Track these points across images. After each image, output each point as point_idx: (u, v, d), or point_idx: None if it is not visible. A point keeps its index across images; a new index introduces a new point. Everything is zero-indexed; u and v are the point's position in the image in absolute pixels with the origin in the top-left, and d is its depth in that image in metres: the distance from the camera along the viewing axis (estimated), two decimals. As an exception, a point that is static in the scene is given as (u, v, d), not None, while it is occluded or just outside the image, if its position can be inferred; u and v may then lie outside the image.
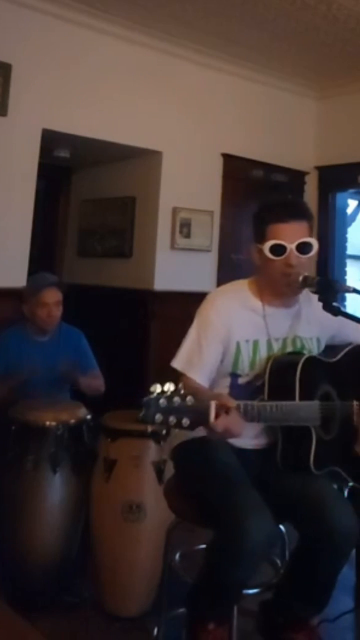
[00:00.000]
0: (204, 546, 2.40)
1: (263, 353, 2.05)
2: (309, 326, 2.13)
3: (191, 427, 1.61)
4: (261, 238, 2.01)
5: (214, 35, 4.22)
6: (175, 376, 2.06)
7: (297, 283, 1.98)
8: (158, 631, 2.29)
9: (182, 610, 2.09)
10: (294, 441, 1.95)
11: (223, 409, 1.68)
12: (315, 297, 2.01)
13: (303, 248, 1.98)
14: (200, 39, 4.28)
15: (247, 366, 2.04)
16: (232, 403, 1.72)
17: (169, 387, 1.60)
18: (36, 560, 2.63)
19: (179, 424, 1.58)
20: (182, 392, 1.60)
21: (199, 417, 1.63)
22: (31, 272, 3.65)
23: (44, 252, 4.81)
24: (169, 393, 1.59)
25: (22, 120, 3.69)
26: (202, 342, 2.03)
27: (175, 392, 1.60)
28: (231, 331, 2.03)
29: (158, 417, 1.56)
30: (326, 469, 1.95)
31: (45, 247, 4.91)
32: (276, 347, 2.07)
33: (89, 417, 2.79)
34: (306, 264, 2.01)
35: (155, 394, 1.57)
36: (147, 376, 4.16)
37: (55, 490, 2.64)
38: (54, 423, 2.66)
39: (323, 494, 1.90)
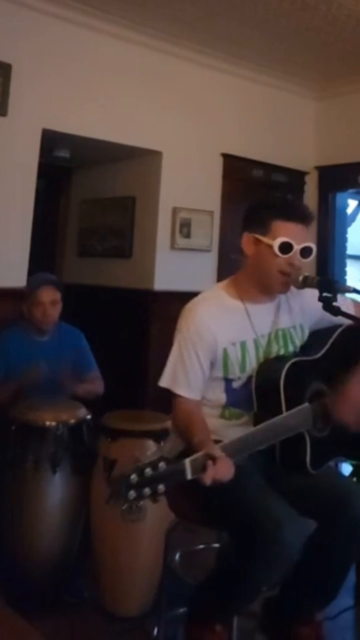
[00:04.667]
0: (203, 546, 2.41)
1: (252, 353, 2.03)
2: (290, 315, 2.12)
3: (168, 490, 1.61)
4: (263, 230, 1.99)
5: (214, 36, 4.22)
6: (168, 394, 2.05)
7: (296, 283, 1.98)
8: (158, 631, 2.29)
9: (182, 610, 2.09)
10: (289, 446, 1.93)
11: (208, 459, 1.67)
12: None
13: (305, 252, 1.99)
14: (200, 39, 4.28)
15: (237, 369, 2.02)
16: (218, 453, 1.69)
17: (145, 460, 1.60)
18: (36, 560, 2.63)
19: (154, 493, 1.57)
20: (153, 459, 1.59)
21: (175, 478, 1.63)
22: (31, 272, 3.65)
23: (44, 252, 4.80)
24: (140, 466, 1.57)
25: (22, 120, 3.69)
26: (184, 357, 2.01)
27: (148, 463, 1.58)
28: (214, 339, 2.00)
29: (131, 494, 1.55)
30: (324, 464, 1.97)
31: (45, 247, 4.91)
32: (263, 343, 2.05)
33: (89, 417, 2.79)
34: (303, 268, 2.01)
35: (127, 473, 1.56)
36: (147, 376, 4.16)
37: (55, 490, 2.64)
38: (54, 423, 2.66)
39: (338, 483, 1.94)
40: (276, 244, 1.95)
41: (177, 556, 2.41)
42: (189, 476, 1.64)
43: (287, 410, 1.90)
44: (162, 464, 1.59)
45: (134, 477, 1.55)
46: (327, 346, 2.11)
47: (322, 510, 1.89)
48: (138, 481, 1.55)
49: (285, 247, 1.96)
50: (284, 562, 1.80)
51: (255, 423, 1.95)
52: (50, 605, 2.53)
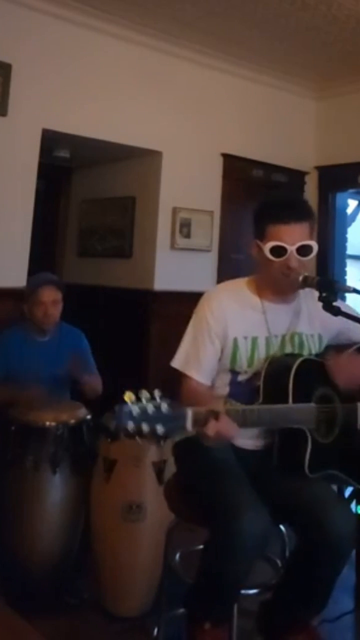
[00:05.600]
0: (203, 546, 2.40)
1: (262, 350, 2.04)
2: (310, 323, 2.11)
3: (166, 434, 1.58)
4: (261, 236, 2.00)
5: (214, 35, 4.22)
6: (177, 376, 2.07)
7: (297, 283, 1.98)
8: (158, 631, 2.29)
9: (182, 610, 2.09)
10: (290, 444, 1.93)
11: (212, 415, 1.67)
12: (318, 293, 2.00)
13: (303, 251, 1.98)
14: (200, 39, 4.28)
15: (245, 363, 2.03)
16: (220, 408, 1.71)
17: (144, 394, 1.57)
18: (36, 560, 2.63)
19: (153, 432, 1.54)
20: (157, 399, 1.57)
21: (175, 424, 1.60)
22: (31, 272, 3.65)
23: (44, 252, 4.80)
24: (143, 401, 1.56)
25: (22, 120, 3.69)
26: (198, 340, 2.03)
27: (150, 399, 1.57)
28: (227, 328, 2.02)
29: (130, 424, 1.53)
30: (322, 472, 1.94)
31: (45, 247, 4.91)
32: (275, 343, 2.05)
33: (89, 417, 2.79)
34: (306, 265, 2.00)
35: (128, 402, 1.55)
36: (147, 376, 4.16)
37: (55, 490, 2.64)
38: (54, 423, 2.66)
39: (321, 497, 1.89)
40: (267, 249, 1.96)
41: (177, 556, 2.40)
42: (189, 426, 1.62)
43: (293, 402, 1.91)
44: (165, 406, 1.57)
45: (135, 408, 1.54)
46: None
47: (304, 527, 1.87)
48: (139, 414, 1.53)
49: (277, 251, 1.96)
50: (245, 553, 1.77)
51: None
52: (50, 605, 2.53)
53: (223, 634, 1.94)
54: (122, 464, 2.56)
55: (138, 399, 1.56)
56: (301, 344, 2.09)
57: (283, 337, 2.07)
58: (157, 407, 1.56)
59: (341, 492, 2.52)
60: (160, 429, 1.56)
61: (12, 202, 3.70)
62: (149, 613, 2.52)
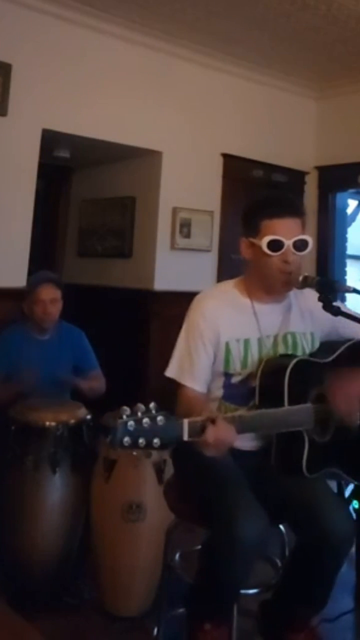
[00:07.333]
0: (203, 546, 2.40)
1: (255, 351, 2.03)
2: (302, 321, 2.10)
3: (162, 447, 1.58)
4: (254, 232, 1.99)
5: (214, 35, 4.22)
6: (174, 382, 2.06)
7: (296, 283, 1.97)
8: (158, 631, 2.29)
9: (182, 610, 2.10)
10: (287, 445, 1.93)
11: (209, 421, 1.67)
12: (308, 290, 2.01)
13: (299, 245, 1.98)
14: (200, 39, 4.28)
15: (238, 365, 2.02)
16: (216, 413, 1.71)
17: (140, 408, 1.57)
18: (36, 560, 2.63)
19: (149, 445, 1.54)
20: (153, 412, 1.57)
21: (171, 435, 1.60)
22: (31, 272, 3.66)
23: (44, 252, 4.81)
24: (138, 414, 1.55)
25: (22, 120, 3.69)
26: (191, 347, 2.02)
27: (146, 412, 1.57)
28: (219, 332, 2.01)
29: (126, 440, 1.52)
30: (321, 471, 1.94)
31: (45, 247, 4.91)
32: (268, 344, 2.04)
33: (89, 417, 2.79)
34: (301, 262, 2.00)
35: (123, 417, 1.54)
36: (147, 376, 4.16)
37: (55, 490, 2.64)
38: (53, 423, 2.66)
39: (319, 496, 1.89)
40: (264, 243, 1.95)
41: (177, 556, 2.40)
42: (185, 436, 1.62)
43: (289, 404, 1.90)
44: (160, 418, 1.57)
45: (131, 424, 1.53)
46: (335, 355, 2.09)
47: (303, 526, 1.87)
48: (135, 429, 1.53)
49: (274, 245, 1.95)
50: (243, 557, 1.78)
51: None
52: (50, 605, 2.53)
53: (223, 634, 1.94)
54: (122, 464, 2.55)
55: (133, 413, 1.56)
56: (295, 344, 2.07)
57: (275, 337, 2.06)
58: (153, 420, 1.56)
59: (341, 488, 2.52)
60: (156, 441, 1.55)
61: (12, 202, 3.70)
62: (149, 613, 2.52)
